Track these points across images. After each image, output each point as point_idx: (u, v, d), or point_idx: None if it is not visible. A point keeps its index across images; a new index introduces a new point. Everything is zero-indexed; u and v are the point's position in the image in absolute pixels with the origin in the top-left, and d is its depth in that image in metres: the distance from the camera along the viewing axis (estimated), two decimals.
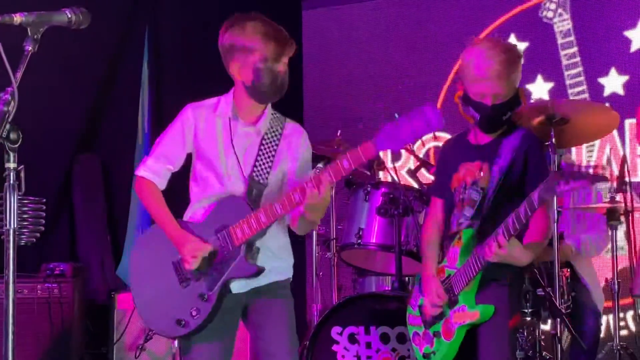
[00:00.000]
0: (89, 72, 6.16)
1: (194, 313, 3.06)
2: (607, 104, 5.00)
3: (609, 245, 4.40)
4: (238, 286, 3.13)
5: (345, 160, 2.88)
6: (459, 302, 3.20)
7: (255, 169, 3.13)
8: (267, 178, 3.13)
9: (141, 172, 3.21)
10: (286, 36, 3.14)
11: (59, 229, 6.00)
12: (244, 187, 3.13)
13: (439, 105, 6.25)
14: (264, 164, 3.14)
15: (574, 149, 5.73)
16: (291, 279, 3.28)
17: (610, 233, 4.30)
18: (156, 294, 3.15)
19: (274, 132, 3.19)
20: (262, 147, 3.16)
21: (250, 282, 3.13)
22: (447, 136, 6.13)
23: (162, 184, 3.22)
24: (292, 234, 3.27)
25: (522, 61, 3.29)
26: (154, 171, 3.20)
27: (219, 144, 3.17)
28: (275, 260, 3.17)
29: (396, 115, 2.90)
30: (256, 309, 3.18)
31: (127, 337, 5.05)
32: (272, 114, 3.23)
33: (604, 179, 2.82)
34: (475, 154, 3.32)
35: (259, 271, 3.07)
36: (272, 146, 3.16)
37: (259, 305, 3.17)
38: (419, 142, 6.21)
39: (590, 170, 2.82)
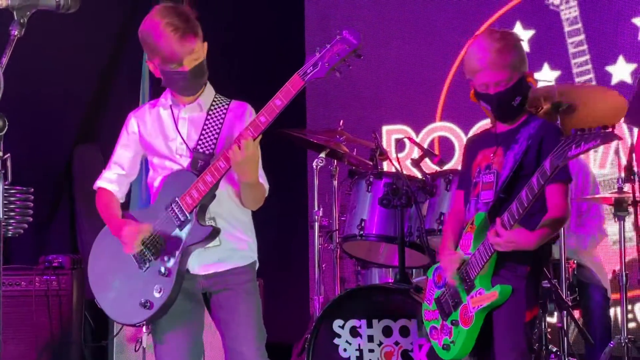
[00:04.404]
0: (89, 62, 6.14)
1: (157, 291, 3.08)
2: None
3: (616, 237, 4.34)
4: (197, 267, 3.15)
5: (277, 99, 2.94)
6: (475, 286, 3.16)
7: (199, 141, 3.16)
8: (213, 148, 3.14)
9: (97, 184, 3.31)
10: (182, 35, 3.05)
11: (59, 220, 5.95)
12: (189, 161, 3.17)
13: (443, 92, 6.21)
14: (209, 135, 3.16)
15: None
16: (257, 263, 3.29)
17: (617, 223, 4.27)
18: (119, 287, 3.18)
19: (218, 106, 3.22)
20: (207, 121, 3.19)
21: (209, 267, 3.16)
22: (452, 126, 6.20)
23: (118, 192, 3.29)
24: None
25: (521, 45, 3.30)
26: (109, 180, 3.29)
27: (165, 132, 3.21)
28: (235, 242, 3.19)
29: (317, 48, 2.95)
30: (220, 304, 3.20)
31: (126, 330, 4.98)
32: (215, 96, 3.24)
33: (615, 136, 2.75)
34: (493, 141, 3.35)
35: (215, 231, 3.08)
36: (218, 118, 3.19)
37: (223, 299, 3.18)
38: (422, 133, 6.19)
39: (601, 131, 2.75)
